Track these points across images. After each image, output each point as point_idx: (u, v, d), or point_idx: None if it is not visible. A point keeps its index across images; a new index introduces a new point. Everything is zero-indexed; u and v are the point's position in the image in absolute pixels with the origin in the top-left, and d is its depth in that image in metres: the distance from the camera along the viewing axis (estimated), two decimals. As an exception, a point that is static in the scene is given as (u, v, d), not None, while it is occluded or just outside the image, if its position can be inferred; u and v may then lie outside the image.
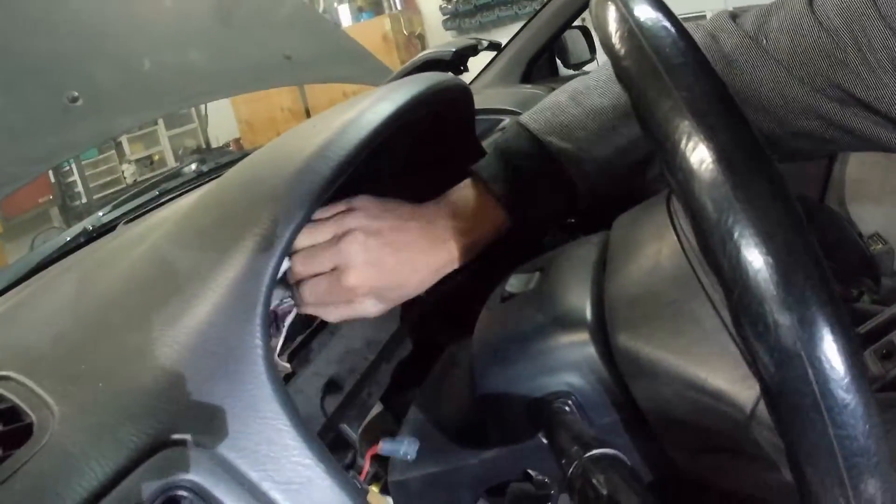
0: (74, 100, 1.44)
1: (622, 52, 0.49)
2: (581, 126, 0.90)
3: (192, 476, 0.50)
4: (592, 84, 0.93)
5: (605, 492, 0.52)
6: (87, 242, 1.25)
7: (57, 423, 0.53)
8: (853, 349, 0.38)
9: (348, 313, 0.78)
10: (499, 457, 0.73)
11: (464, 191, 0.89)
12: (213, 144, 7.48)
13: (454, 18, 6.87)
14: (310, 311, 0.77)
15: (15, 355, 0.64)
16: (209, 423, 0.52)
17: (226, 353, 0.55)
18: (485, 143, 1.08)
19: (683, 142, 0.42)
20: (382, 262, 0.78)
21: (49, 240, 1.46)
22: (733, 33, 0.82)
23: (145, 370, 0.55)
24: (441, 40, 6.95)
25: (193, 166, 1.97)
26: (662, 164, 0.45)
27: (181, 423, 0.52)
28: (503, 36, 2.49)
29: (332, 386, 0.83)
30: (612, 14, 0.50)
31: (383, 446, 0.74)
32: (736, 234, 0.39)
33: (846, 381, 0.37)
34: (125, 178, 7.70)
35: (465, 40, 1.67)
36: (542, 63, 2.47)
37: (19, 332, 0.73)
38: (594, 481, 0.54)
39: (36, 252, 1.39)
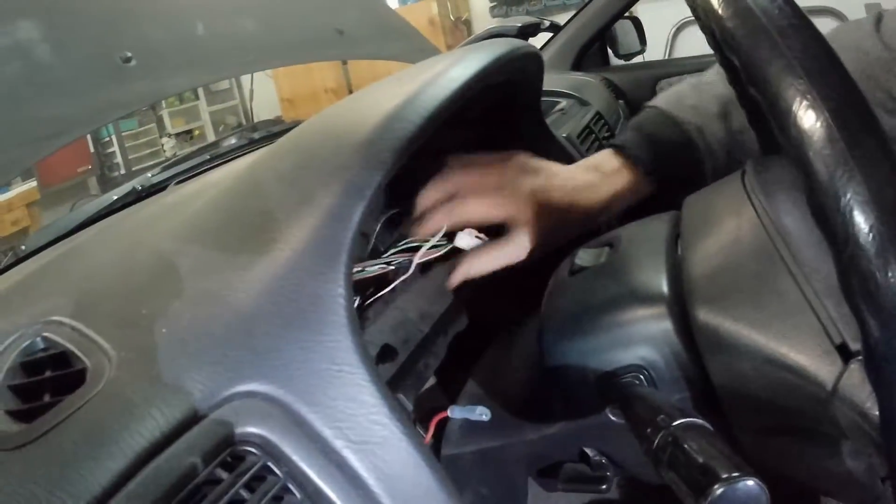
0: (127, 60, 1.43)
1: (729, 13, 0.49)
2: (704, 108, 1.01)
3: (261, 430, 0.47)
4: (707, 78, 1.05)
5: (700, 459, 0.50)
6: (136, 201, 1.23)
7: (114, 369, 0.50)
8: None
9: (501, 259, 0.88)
10: (559, 433, 0.71)
11: (604, 157, 1.00)
12: (255, 122, 7.51)
13: (501, 5, 6.85)
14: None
15: (67, 301, 0.61)
16: (283, 375, 0.50)
17: (306, 301, 0.52)
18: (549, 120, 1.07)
19: (797, 101, 0.42)
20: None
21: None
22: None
23: (216, 316, 0.52)
24: (487, 26, 6.97)
25: (233, 140, 1.97)
26: (774, 123, 0.45)
27: (252, 372, 0.49)
28: (550, 25, 2.51)
29: (387, 354, 0.81)
30: None
31: (454, 411, 0.73)
32: (850, 193, 0.39)
33: None
34: (164, 151, 7.73)
35: (529, 18, 1.66)
36: (594, 52, 2.50)
37: (70, 280, 0.70)
38: (686, 447, 0.51)
39: (79, 211, 1.38)
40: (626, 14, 2.46)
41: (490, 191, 0.88)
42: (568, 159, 1.09)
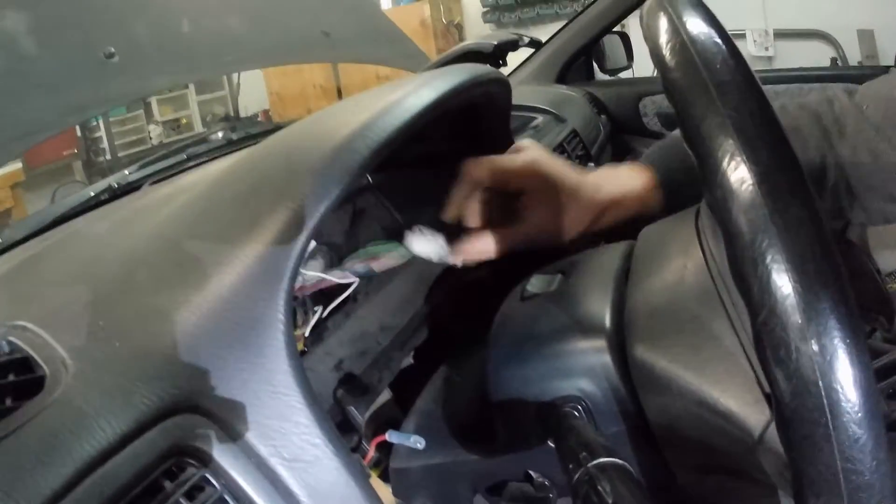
0: (111, 55, 1.45)
1: (672, 63, 0.49)
2: None
3: (201, 444, 0.49)
4: None
5: (609, 500, 0.52)
6: (111, 199, 1.25)
7: (70, 378, 0.53)
8: (870, 385, 0.38)
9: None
10: (503, 456, 0.73)
11: (630, 172, 1.02)
12: (242, 114, 7.48)
13: (494, 11, 6.85)
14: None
15: (32, 306, 0.64)
16: (222, 393, 0.52)
17: (247, 324, 0.55)
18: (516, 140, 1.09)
19: (726, 160, 0.43)
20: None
21: (71, 193, 1.46)
22: (843, 101, 0.95)
23: (164, 333, 0.54)
24: (479, 31, 6.95)
25: (220, 133, 1.97)
26: (701, 178, 0.45)
27: (195, 389, 0.52)
28: (541, 33, 2.51)
29: (342, 368, 0.83)
30: (663, 24, 0.51)
31: (391, 435, 0.75)
32: (768, 258, 0.40)
33: (860, 415, 0.38)
34: (151, 138, 7.71)
35: (506, 34, 1.67)
36: (579, 66, 2.51)
37: (37, 284, 0.73)
38: (599, 488, 0.53)
39: (57, 205, 1.39)
40: (615, 29, 2.46)
41: (524, 224, 0.93)
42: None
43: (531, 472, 0.73)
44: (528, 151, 0.94)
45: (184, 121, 7.99)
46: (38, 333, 0.58)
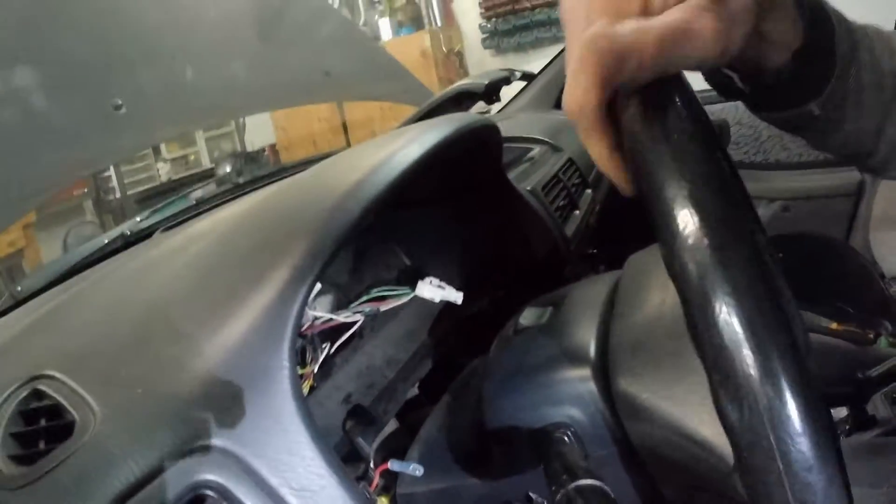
0: (118, 107, 1.49)
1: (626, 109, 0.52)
2: None
3: (217, 477, 0.55)
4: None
5: None
6: (124, 248, 1.29)
7: (99, 423, 0.58)
8: (822, 428, 0.40)
9: None
10: (500, 480, 0.77)
11: None
12: (249, 149, 7.53)
13: (493, 37, 6.88)
14: None
15: (57, 356, 0.69)
16: (236, 432, 0.58)
17: (256, 371, 0.61)
18: (512, 174, 1.13)
19: (675, 207, 0.44)
20: None
21: (83, 234, 1.50)
22: None
23: (182, 380, 0.60)
24: (479, 58, 6.99)
25: (228, 168, 2.01)
26: (648, 211, 0.46)
27: (211, 429, 0.57)
28: (540, 57, 2.54)
29: (350, 401, 0.88)
30: None
31: (392, 464, 0.79)
32: (714, 303, 0.41)
33: (811, 462, 0.39)
34: (160, 176, 7.76)
35: (497, 72, 1.72)
36: None
37: (61, 335, 0.77)
38: None
39: (72, 254, 1.44)
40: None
41: None
42: (531, 213, 1.15)
43: (531, 494, 0.78)
44: None
45: (192, 157, 8.04)
46: (64, 382, 0.63)
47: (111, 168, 7.27)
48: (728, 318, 0.40)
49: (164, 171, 7.80)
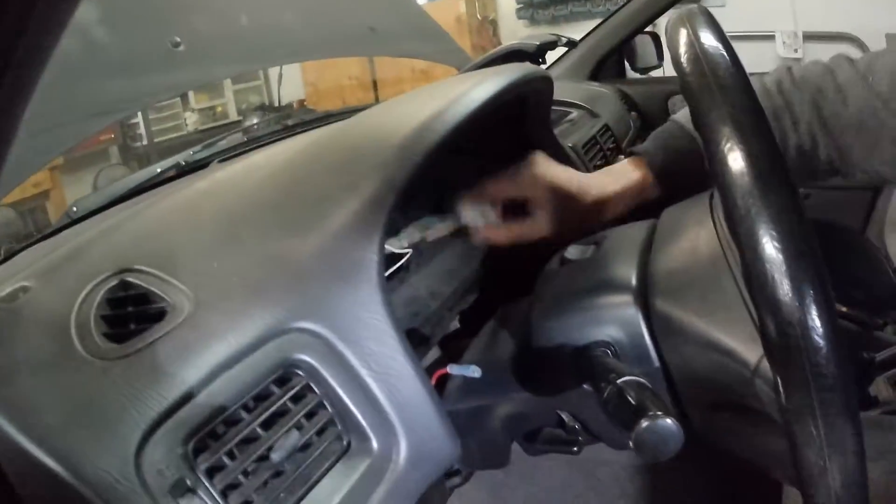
0: (177, 45, 1.55)
1: (687, 70, 0.62)
2: None
3: (307, 357, 0.63)
4: None
5: (633, 403, 0.64)
6: (179, 176, 1.32)
7: (194, 306, 0.63)
8: (829, 308, 0.50)
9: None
10: (541, 397, 0.84)
11: (629, 165, 1.11)
12: (276, 104, 7.56)
13: (528, 8, 6.85)
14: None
15: (143, 252, 0.72)
16: (326, 317, 0.65)
17: (348, 264, 0.68)
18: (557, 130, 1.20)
19: (724, 143, 0.55)
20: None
21: (113, 176, 1.54)
22: (847, 70, 0.96)
23: (277, 271, 0.67)
24: (513, 27, 6.98)
25: (255, 119, 2.05)
26: (706, 156, 0.57)
27: (304, 314, 0.64)
28: (574, 31, 2.57)
29: (399, 323, 0.94)
30: (683, 38, 0.63)
31: (452, 368, 0.86)
32: (753, 214, 0.52)
33: (822, 331, 0.49)
34: (187, 125, 7.79)
35: (546, 35, 1.78)
36: (611, 64, 2.56)
37: (142, 236, 0.80)
38: (626, 396, 0.65)
39: (126, 179, 1.49)
40: (647, 29, 2.53)
41: (514, 174, 1.03)
42: (572, 167, 1.22)
43: (563, 417, 0.85)
44: (535, 166, 1.04)
45: (219, 109, 8.07)
46: (155, 274, 0.67)
47: (139, 114, 7.31)
48: (762, 217, 0.51)
49: (191, 121, 7.81)
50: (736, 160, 0.54)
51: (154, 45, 1.56)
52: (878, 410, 1.45)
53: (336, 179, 0.78)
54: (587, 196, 1.05)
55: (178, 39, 1.56)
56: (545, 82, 1.06)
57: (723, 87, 0.58)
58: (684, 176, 1.06)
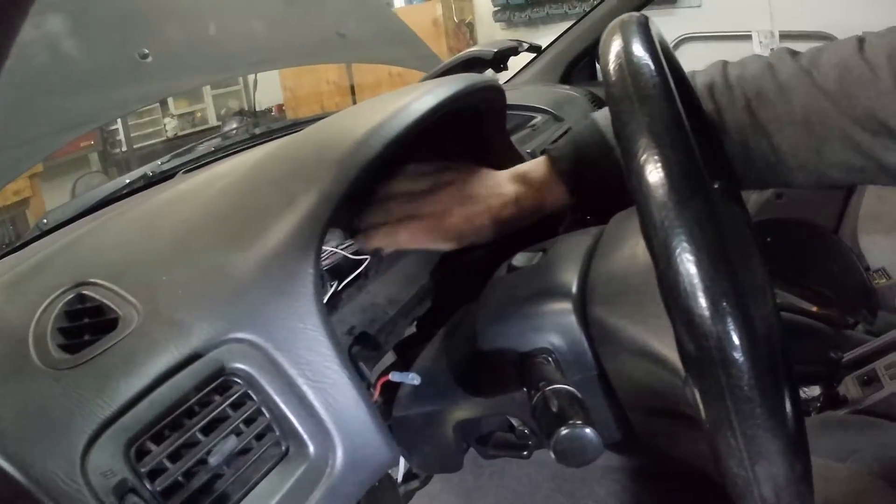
0: (145, 56, 1.57)
1: (611, 79, 0.64)
2: None
3: (245, 366, 0.66)
4: None
5: (555, 411, 0.67)
6: (147, 187, 1.37)
7: (142, 318, 0.67)
8: (744, 319, 0.51)
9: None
10: (487, 402, 0.86)
11: (535, 166, 1.09)
12: (257, 108, 7.57)
13: (504, 10, 6.87)
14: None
15: (99, 265, 0.77)
16: (264, 328, 0.69)
17: (286, 276, 0.72)
18: (514, 137, 1.22)
19: (640, 155, 0.57)
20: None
21: (91, 183, 1.58)
22: (789, 65, 0.93)
23: (219, 283, 0.70)
24: (489, 30, 7.02)
25: (234, 124, 2.07)
26: (624, 167, 0.59)
27: (243, 325, 0.68)
28: (551, 33, 2.56)
29: (354, 332, 0.97)
30: (613, 47, 0.65)
31: (393, 375, 0.88)
32: (669, 233, 0.53)
33: (739, 343, 0.51)
34: (166, 131, 7.79)
35: (506, 42, 1.80)
36: (583, 66, 2.56)
37: (101, 249, 0.85)
38: (550, 404, 0.68)
39: (95, 191, 1.52)
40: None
41: (424, 219, 1.01)
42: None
43: (513, 422, 0.87)
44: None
45: (198, 114, 8.07)
46: (109, 287, 0.71)
47: (118, 121, 7.30)
48: (686, 265, 0.53)
49: (170, 127, 7.81)
50: (651, 172, 0.55)
51: (122, 58, 1.58)
52: (846, 410, 1.48)
53: (277, 193, 0.81)
54: (503, 221, 1.04)
55: (147, 51, 1.58)
56: (493, 91, 1.08)
57: (642, 97, 0.60)
58: (599, 183, 1.04)
